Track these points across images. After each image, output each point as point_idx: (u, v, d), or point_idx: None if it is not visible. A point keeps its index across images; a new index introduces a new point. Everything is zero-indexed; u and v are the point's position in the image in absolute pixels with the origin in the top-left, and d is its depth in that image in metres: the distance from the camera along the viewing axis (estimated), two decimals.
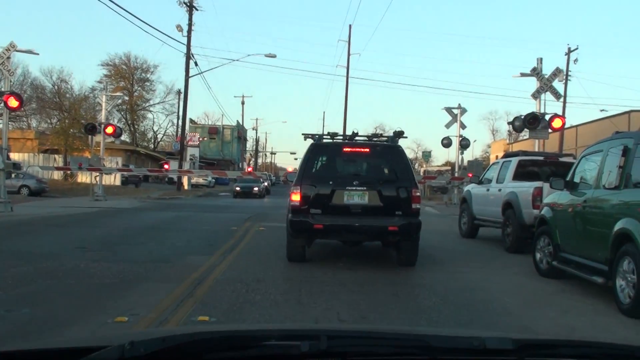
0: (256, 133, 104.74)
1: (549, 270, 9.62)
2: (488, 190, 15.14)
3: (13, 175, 31.92)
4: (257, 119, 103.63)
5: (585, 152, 9.51)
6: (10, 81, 22.38)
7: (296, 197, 9.84)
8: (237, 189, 43.14)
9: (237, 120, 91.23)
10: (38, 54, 23.40)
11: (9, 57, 20.88)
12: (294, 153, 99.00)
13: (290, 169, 40.98)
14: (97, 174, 31.16)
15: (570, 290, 8.78)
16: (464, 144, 33.90)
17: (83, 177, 43.20)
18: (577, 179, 9.37)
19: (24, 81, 59.99)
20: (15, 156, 41.65)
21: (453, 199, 32.62)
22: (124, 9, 54.52)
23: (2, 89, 20.75)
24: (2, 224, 16.83)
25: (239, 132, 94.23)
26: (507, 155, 16.10)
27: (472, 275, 9.85)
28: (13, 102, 19.95)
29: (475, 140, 76.05)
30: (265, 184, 49.27)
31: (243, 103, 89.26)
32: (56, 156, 49.29)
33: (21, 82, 58.05)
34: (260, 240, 13.84)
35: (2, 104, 20.27)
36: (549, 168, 14.18)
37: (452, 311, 7.12)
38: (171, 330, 2.91)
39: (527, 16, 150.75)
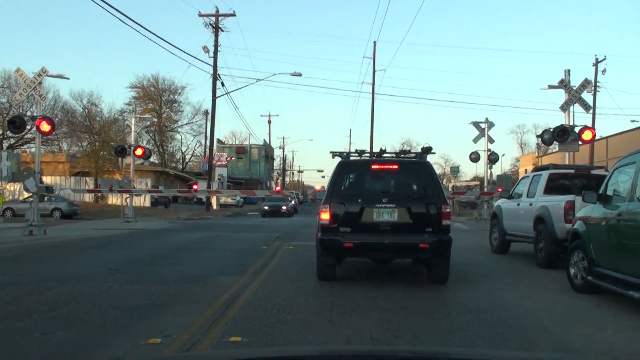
0: (283, 152, 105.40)
1: (583, 286, 9.45)
2: (519, 204, 14.97)
3: (46, 199, 32.39)
4: (283, 138, 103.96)
5: (617, 164, 9.36)
6: (42, 106, 22.80)
7: (325, 216, 9.82)
8: (266, 208, 43.31)
9: (264, 139, 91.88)
10: (69, 79, 23.95)
11: (40, 82, 21.28)
12: (322, 171, 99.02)
13: (318, 187, 41.04)
14: (128, 195, 31.50)
15: (606, 305, 8.61)
16: (493, 159, 33.64)
17: (113, 199, 43.74)
18: (610, 192, 9.22)
19: (55, 105, 60.81)
20: (47, 179, 42.35)
21: (483, 214, 32.33)
22: (152, 32, 55.29)
23: (35, 114, 21.16)
24: (35, 246, 17.09)
25: (266, 151, 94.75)
26: (537, 169, 15.92)
27: (505, 292, 9.72)
28: (45, 127, 20.33)
29: (503, 155, 75.22)
30: (293, 202, 49.35)
31: (270, 122, 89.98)
32: (87, 179, 49.97)
33: (52, 106, 58.85)
34: (290, 259, 13.84)
35: (35, 128, 20.68)
36: (581, 181, 13.99)
37: (486, 329, 7.02)
38: (211, 356, 2.85)
39: (553, 28, 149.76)
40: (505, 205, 16.01)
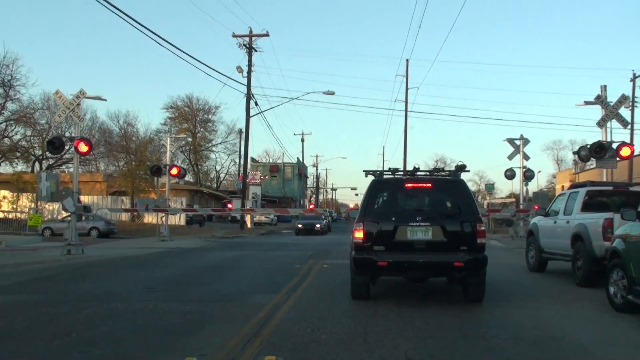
0: (316, 170, 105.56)
1: (623, 305, 9.25)
2: (555, 222, 14.76)
3: (83, 218, 33.04)
4: (317, 156, 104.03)
5: None
6: (80, 127, 23.26)
7: (359, 234, 9.81)
8: (299, 226, 43.39)
9: (298, 158, 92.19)
10: (106, 100, 24.14)
11: (78, 104, 21.75)
12: (355, 189, 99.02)
13: (352, 205, 40.87)
14: (163, 214, 31.85)
15: None
16: (528, 176, 33.27)
17: (149, 218, 44.24)
18: None
19: (93, 126, 62.38)
20: (85, 199, 43.15)
21: (519, 232, 31.94)
22: (187, 54, 56.26)
23: (73, 135, 21.61)
24: (73, 265, 17.35)
25: (300, 170, 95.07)
26: (574, 185, 15.69)
27: (542, 311, 9.56)
28: (83, 147, 20.74)
29: (539, 171, 74.40)
30: (327, 220, 49.34)
31: (303, 140, 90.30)
32: (124, 198, 50.69)
33: (90, 126, 60.35)
34: (324, 278, 13.82)
35: (73, 149, 21.11)
36: (619, 198, 13.74)
37: (523, 349, 6.92)
38: None
39: (589, 43, 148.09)
40: (541, 223, 15.80)
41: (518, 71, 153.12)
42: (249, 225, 49.82)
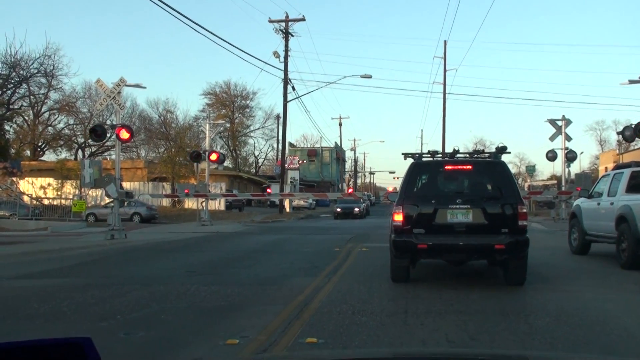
0: (354, 153, 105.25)
1: None
2: (599, 204, 14.48)
3: (126, 204, 33.61)
4: (354, 140, 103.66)
5: None
6: (121, 114, 23.61)
7: (399, 217, 9.78)
8: (338, 210, 43.44)
9: (335, 142, 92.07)
10: (145, 88, 24.54)
11: (119, 92, 22.06)
12: (393, 172, 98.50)
13: (390, 189, 40.66)
14: (203, 199, 32.19)
15: None
16: (570, 157, 32.65)
17: (190, 203, 44.77)
18: None
19: (133, 113, 63.16)
20: (126, 185, 43.82)
21: (561, 214, 31.44)
22: (225, 40, 56.58)
23: (114, 122, 21.96)
24: (117, 250, 17.71)
25: (338, 154, 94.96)
26: (618, 166, 15.35)
27: (586, 294, 9.42)
28: (124, 134, 21.06)
29: (582, 152, 72.90)
30: (365, 204, 49.30)
31: (340, 124, 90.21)
32: (164, 184, 51.35)
33: (130, 114, 61.13)
34: (364, 261, 13.84)
35: (115, 136, 21.46)
36: None
37: (566, 332, 6.83)
38: (289, 358, 2.84)
39: (633, 20, 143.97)
40: (584, 205, 15.52)
41: (559, 50, 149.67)
42: (287, 209, 50.07)
